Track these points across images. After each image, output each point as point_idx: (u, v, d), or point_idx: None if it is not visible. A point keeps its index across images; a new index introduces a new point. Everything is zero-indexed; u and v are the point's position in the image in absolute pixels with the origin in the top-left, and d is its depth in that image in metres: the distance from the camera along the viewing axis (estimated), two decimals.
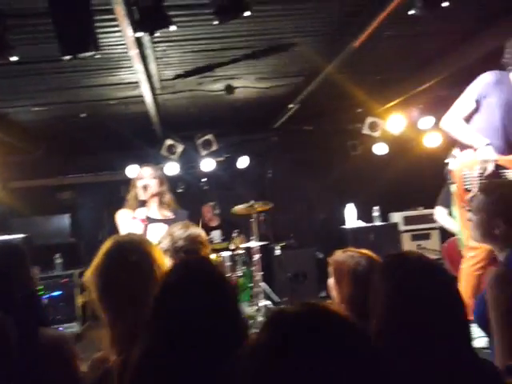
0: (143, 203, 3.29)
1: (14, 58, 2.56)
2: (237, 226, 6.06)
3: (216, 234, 6.37)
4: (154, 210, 3.41)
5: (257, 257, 5.44)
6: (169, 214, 3.43)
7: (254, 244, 5.42)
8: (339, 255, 2.02)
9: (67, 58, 2.33)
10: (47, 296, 5.42)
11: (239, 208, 5.33)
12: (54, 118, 5.21)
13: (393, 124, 5.97)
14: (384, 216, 6.39)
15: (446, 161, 3.45)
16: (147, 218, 3.29)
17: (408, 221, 6.47)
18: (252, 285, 5.67)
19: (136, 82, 4.14)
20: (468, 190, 3.14)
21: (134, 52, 3.18)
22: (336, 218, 6.36)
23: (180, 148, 5.93)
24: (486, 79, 3.22)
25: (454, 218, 3.74)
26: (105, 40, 3.21)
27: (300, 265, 6.31)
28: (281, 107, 5.64)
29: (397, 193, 6.59)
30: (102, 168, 6.52)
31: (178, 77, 4.30)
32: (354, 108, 6.01)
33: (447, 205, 4.08)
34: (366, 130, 6.09)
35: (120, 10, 2.43)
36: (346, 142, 6.66)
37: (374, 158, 6.49)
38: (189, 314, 1.10)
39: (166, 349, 1.09)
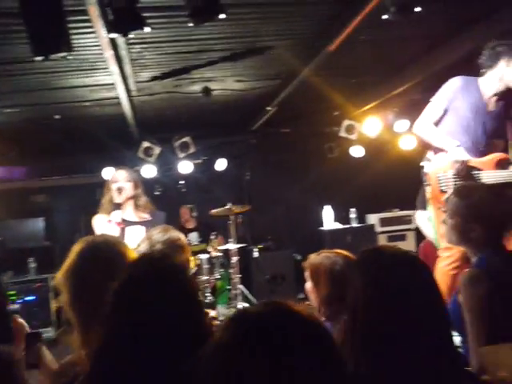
0: (118, 206, 3.26)
1: None
2: (215, 228, 6.05)
3: (193, 236, 6.36)
4: (130, 212, 3.38)
5: (235, 259, 5.43)
6: (146, 216, 3.40)
7: (232, 246, 5.42)
8: (314, 258, 2.03)
9: (39, 58, 2.28)
10: (20, 301, 5.32)
11: (217, 210, 5.32)
12: (27, 120, 5.10)
13: (369, 127, 6.05)
14: (361, 218, 6.46)
15: (421, 164, 3.54)
16: (124, 221, 3.26)
17: (384, 222, 6.56)
18: (230, 287, 5.66)
19: (112, 84, 4.09)
20: (443, 192, 3.22)
21: (108, 53, 3.15)
22: (314, 220, 6.40)
23: (157, 150, 5.89)
24: (454, 84, 3.33)
25: (429, 219, 3.81)
26: (79, 41, 3.16)
27: (278, 267, 6.33)
28: (258, 110, 5.65)
29: (373, 195, 6.68)
30: (77, 170, 6.42)
31: (154, 79, 4.27)
32: (331, 111, 6.07)
33: (425, 207, 4.15)
34: (342, 133, 6.15)
35: (94, 11, 2.40)
36: (323, 144, 6.71)
37: (351, 161, 6.55)
38: (149, 309, 1.08)
39: (125, 344, 1.06)
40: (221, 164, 6.47)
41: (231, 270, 5.49)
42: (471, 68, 3.26)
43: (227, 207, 5.25)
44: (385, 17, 2.64)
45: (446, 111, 3.36)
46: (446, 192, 3.19)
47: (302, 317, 0.85)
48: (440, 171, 3.26)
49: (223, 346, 0.82)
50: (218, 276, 5.44)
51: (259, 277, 6.25)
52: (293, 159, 6.79)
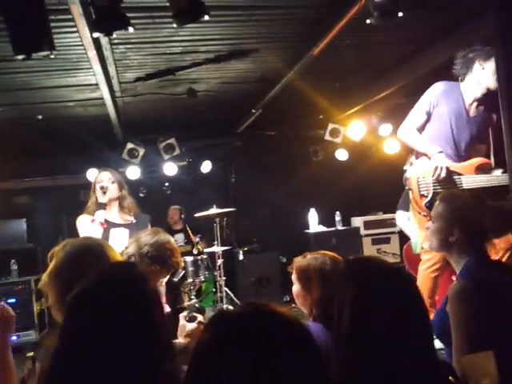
0: (103, 206, 3.24)
1: None
2: (200, 230, 6.03)
3: (180, 237, 6.34)
4: (114, 214, 3.35)
5: (220, 261, 5.42)
6: (130, 219, 3.38)
7: (217, 249, 5.40)
8: (301, 260, 2.00)
9: (20, 57, 2.25)
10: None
11: (202, 214, 5.30)
12: (8, 120, 5.02)
13: (353, 131, 6.10)
14: (345, 220, 6.50)
15: (404, 168, 3.59)
16: (107, 222, 3.24)
17: (368, 225, 6.60)
18: (215, 290, 5.65)
19: (95, 84, 4.05)
20: (424, 196, 3.26)
21: (92, 53, 3.12)
22: (299, 223, 6.41)
23: (141, 152, 5.86)
24: (436, 89, 3.39)
25: (408, 219, 3.86)
26: (62, 40, 3.12)
27: (263, 269, 6.33)
28: (244, 112, 5.65)
29: (358, 198, 6.73)
30: (60, 171, 6.35)
31: (138, 79, 4.24)
32: (316, 114, 6.09)
33: (407, 209, 4.20)
34: (327, 136, 6.18)
35: (76, 10, 2.38)
36: (308, 147, 6.74)
37: (336, 164, 6.59)
38: (101, 316, 1.04)
39: (86, 348, 1.03)
40: (206, 166, 6.46)
41: (216, 273, 5.48)
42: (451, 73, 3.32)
43: (212, 209, 5.24)
44: (369, 21, 2.67)
45: (429, 116, 3.40)
46: (426, 196, 3.24)
47: (283, 318, 0.85)
48: (421, 176, 3.30)
49: (203, 346, 0.82)
50: (203, 279, 5.42)
51: (245, 279, 6.24)
52: (278, 162, 6.80)
